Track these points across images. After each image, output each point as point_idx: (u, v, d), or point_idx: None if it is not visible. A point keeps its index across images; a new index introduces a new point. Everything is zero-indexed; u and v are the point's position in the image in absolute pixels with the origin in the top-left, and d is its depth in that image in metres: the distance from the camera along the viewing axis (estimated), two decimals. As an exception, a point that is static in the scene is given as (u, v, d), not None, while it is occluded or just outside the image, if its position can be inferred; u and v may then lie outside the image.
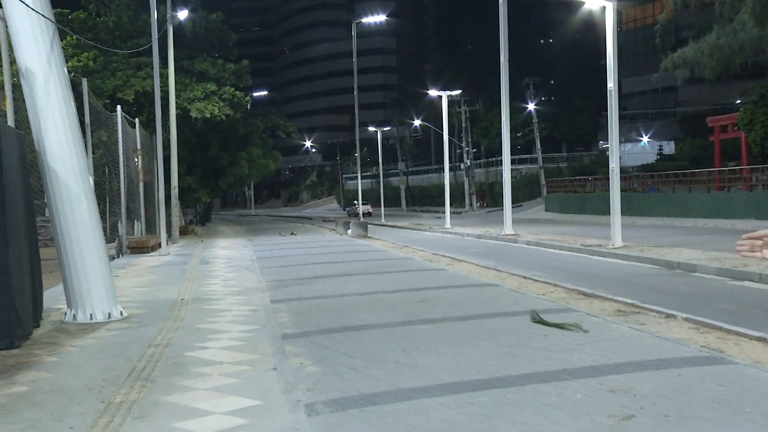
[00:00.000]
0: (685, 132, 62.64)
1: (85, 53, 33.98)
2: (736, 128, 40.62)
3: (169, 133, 29.21)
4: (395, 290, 12.17)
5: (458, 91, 47.49)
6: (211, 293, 12.55)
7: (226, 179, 42.24)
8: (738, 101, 51.98)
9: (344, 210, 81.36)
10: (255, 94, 45.28)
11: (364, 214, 71.01)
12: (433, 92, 46.84)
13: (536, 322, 8.64)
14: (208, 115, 34.09)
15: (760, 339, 7.90)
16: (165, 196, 24.67)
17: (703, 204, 34.05)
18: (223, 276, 15.51)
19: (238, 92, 36.05)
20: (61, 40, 11.63)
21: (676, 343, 7.47)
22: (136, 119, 26.54)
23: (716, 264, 14.39)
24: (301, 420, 5.26)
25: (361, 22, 70.89)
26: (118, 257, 21.13)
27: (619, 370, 6.32)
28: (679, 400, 5.43)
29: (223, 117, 34.79)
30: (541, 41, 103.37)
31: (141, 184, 25.41)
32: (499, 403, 5.48)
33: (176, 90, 30.52)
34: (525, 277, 14.42)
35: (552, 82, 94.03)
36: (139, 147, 25.29)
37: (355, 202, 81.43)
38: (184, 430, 5.11)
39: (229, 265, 18.30)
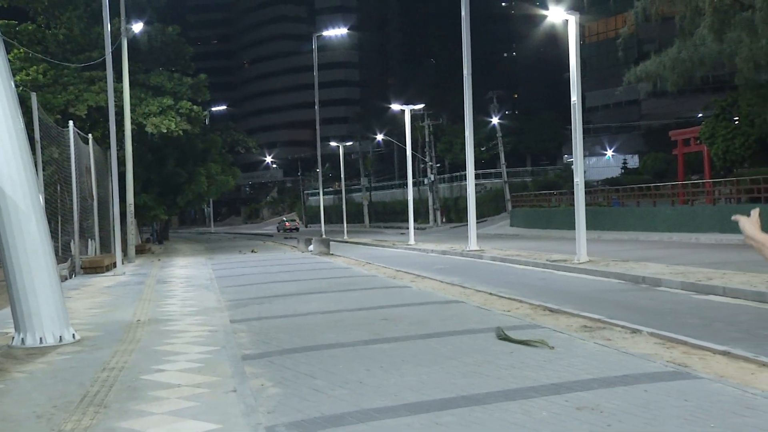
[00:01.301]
0: (648, 145, 63.68)
1: (34, 66, 33.53)
2: (698, 142, 41.36)
3: (124, 150, 28.88)
4: (358, 308, 12.13)
5: (421, 105, 47.77)
6: (168, 314, 12.39)
7: (184, 196, 41.82)
8: (700, 115, 53.08)
9: (276, 227, 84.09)
10: (214, 109, 45.07)
11: (290, 229, 76.53)
12: (396, 106, 46.94)
13: (502, 339, 8.66)
14: (165, 131, 33.80)
15: (724, 353, 8.00)
16: (120, 213, 24.35)
17: (667, 218, 34.55)
18: (181, 296, 15.33)
19: (195, 107, 35.81)
20: (8, 53, 11.44)
21: (642, 358, 7.53)
22: (90, 135, 26.20)
23: (681, 278, 14.58)
24: (262, 444, 5.19)
25: (322, 35, 71.09)
26: (70, 278, 20.77)
27: (586, 387, 6.36)
28: (645, 416, 5.46)
29: (181, 132, 34.51)
30: (504, 54, 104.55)
31: (95, 202, 25.06)
32: (465, 423, 5.47)
33: (131, 104, 30.25)
34: (490, 294, 14.47)
35: (516, 95, 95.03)
36: (92, 164, 24.96)
37: (284, 218, 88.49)
38: (138, 457, 5.01)
39: (188, 284, 18.10)
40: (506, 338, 8.63)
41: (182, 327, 10.78)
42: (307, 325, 10.50)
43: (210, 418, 5.87)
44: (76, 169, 21.92)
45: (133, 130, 30.36)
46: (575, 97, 20.16)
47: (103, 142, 30.70)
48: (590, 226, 22.14)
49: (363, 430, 5.41)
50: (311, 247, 32.89)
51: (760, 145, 37.02)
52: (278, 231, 77.92)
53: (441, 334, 9.37)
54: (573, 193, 21.89)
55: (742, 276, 14.31)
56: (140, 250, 33.76)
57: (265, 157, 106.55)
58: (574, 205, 21.68)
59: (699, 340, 8.72)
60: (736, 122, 37.42)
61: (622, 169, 65.89)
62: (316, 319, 11.15)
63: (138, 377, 7.47)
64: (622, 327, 9.87)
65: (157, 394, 6.75)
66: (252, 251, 34.16)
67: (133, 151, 29.77)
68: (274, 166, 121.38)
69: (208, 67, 62.57)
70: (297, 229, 78.62)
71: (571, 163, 55.43)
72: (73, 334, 9.88)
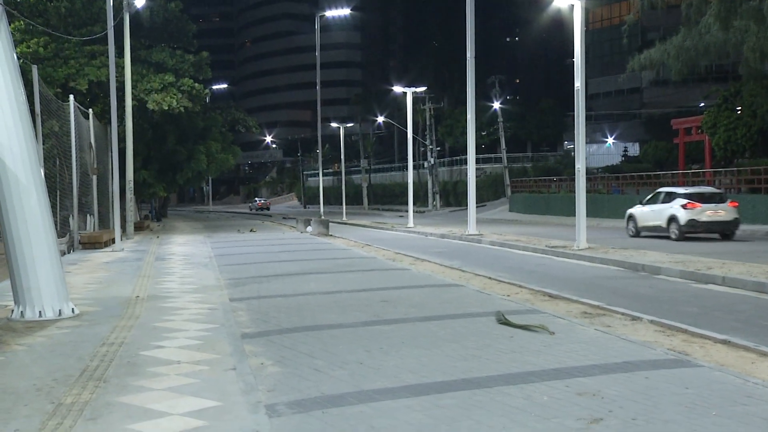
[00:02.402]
0: (649, 134, 63.50)
1: (35, 39, 33.31)
2: (699, 131, 41.29)
3: (124, 125, 28.76)
4: (358, 290, 12.12)
5: (423, 88, 47.51)
6: (167, 291, 12.37)
7: (183, 174, 41.71)
8: (702, 104, 52.94)
9: (249, 207, 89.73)
10: (214, 87, 44.77)
11: (262, 208, 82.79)
12: (398, 89, 46.76)
13: (502, 323, 8.65)
14: (166, 108, 33.66)
15: (724, 342, 8.01)
16: (120, 190, 24.28)
17: (667, 207, 34.53)
18: (180, 273, 15.31)
19: (197, 84, 35.64)
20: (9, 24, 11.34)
21: (642, 345, 7.53)
22: (90, 110, 26.08)
23: (680, 267, 14.57)
24: (262, 422, 5.18)
25: (324, 15, 70.59)
26: (69, 253, 20.75)
27: (586, 373, 6.35)
28: (646, 403, 5.45)
29: (182, 109, 34.37)
30: (507, 40, 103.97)
31: (94, 178, 24.99)
32: (465, 406, 5.46)
33: (133, 80, 30.07)
34: (490, 278, 14.46)
35: (518, 81, 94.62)
36: (93, 139, 24.86)
37: (256, 198, 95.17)
38: (138, 433, 5.00)
39: (187, 262, 18.08)
40: (506, 323, 8.62)
41: (181, 304, 10.76)
42: (307, 305, 10.48)
43: (209, 396, 5.85)
44: (76, 144, 21.82)
45: (134, 106, 30.22)
46: (579, 83, 20.06)
47: (102, 117, 30.57)
48: (589, 213, 22.06)
49: (364, 411, 5.39)
50: (310, 228, 32.85)
51: (762, 136, 36.95)
52: (250, 210, 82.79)
53: (440, 317, 9.36)
54: (573, 180, 21.78)
55: (741, 266, 14.31)
56: (138, 227, 33.71)
57: (265, 136, 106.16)
58: (573, 192, 21.58)
59: (699, 328, 8.72)
60: (739, 112, 37.33)
61: (622, 156, 65.76)
62: (315, 299, 11.13)
63: (137, 353, 7.45)
64: (622, 314, 9.86)
65: (156, 370, 6.74)
66: (251, 230, 34.12)
67: (133, 128, 29.63)
68: (274, 146, 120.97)
69: (209, 44, 62.20)
70: (268, 209, 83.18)
71: (571, 150, 55.40)
72: (72, 309, 9.86)
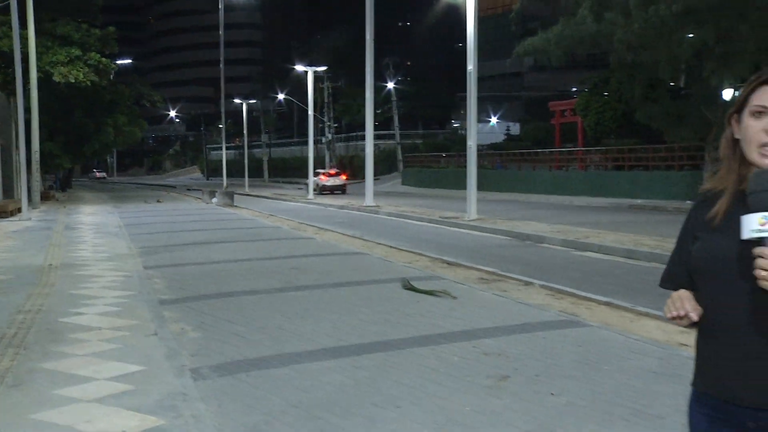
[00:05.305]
0: (529, 115, 65.09)
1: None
2: (573, 113, 42.59)
3: (29, 97, 27.18)
4: (268, 257, 11.94)
5: (323, 68, 47.00)
6: (80, 259, 11.84)
7: (90, 146, 40.01)
8: (576, 89, 54.58)
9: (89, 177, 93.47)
10: (121, 62, 42.80)
11: (99, 178, 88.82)
12: (299, 68, 46.10)
13: (407, 288, 8.68)
14: (73, 80, 32.03)
15: (607, 303, 8.31)
16: (27, 161, 23.01)
17: (545, 181, 35.62)
18: (92, 242, 14.68)
19: (104, 59, 34.05)
20: None
21: (536, 308, 7.72)
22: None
23: (561, 236, 15.04)
24: (188, 385, 5.02)
25: (228, -5, 68.63)
26: (-26, 222, 19.58)
27: (490, 334, 6.45)
28: (546, 360, 5.59)
29: (89, 83, 32.80)
30: (399, 24, 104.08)
31: (-1, 148, 23.60)
32: (383, 367, 5.45)
33: (38, 53, 28.38)
34: (391, 247, 14.52)
35: (409, 63, 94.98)
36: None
37: (94, 170, 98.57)
38: (66, 398, 4.74)
39: (97, 231, 17.36)
40: (411, 288, 8.66)
41: (96, 272, 10.32)
42: (221, 273, 10.24)
43: (134, 361, 5.63)
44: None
45: (39, 78, 28.57)
46: (471, 66, 20.28)
47: (5, 88, 28.83)
48: (477, 187, 22.49)
49: (287, 374, 5.30)
50: (215, 199, 32.15)
51: (626, 119, 38.37)
52: (89, 179, 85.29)
53: (350, 283, 9.33)
54: (461, 156, 22.16)
55: (613, 235, 14.91)
56: (44, 197, 32.16)
57: (170, 111, 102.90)
58: (461, 167, 21.96)
59: (584, 292, 9.02)
60: (607, 97, 38.69)
61: (505, 135, 67.12)
62: (228, 266, 10.89)
63: (56, 320, 7.09)
64: (516, 279, 10.08)
65: (77, 336, 6.43)
66: (158, 201, 33.10)
67: (39, 100, 28.04)
68: (178, 120, 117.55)
69: (117, 20, 59.41)
70: (105, 178, 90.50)
71: (459, 128, 56.09)
72: (-15, 278, 9.29)
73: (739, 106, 1.87)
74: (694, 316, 1.83)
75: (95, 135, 39.29)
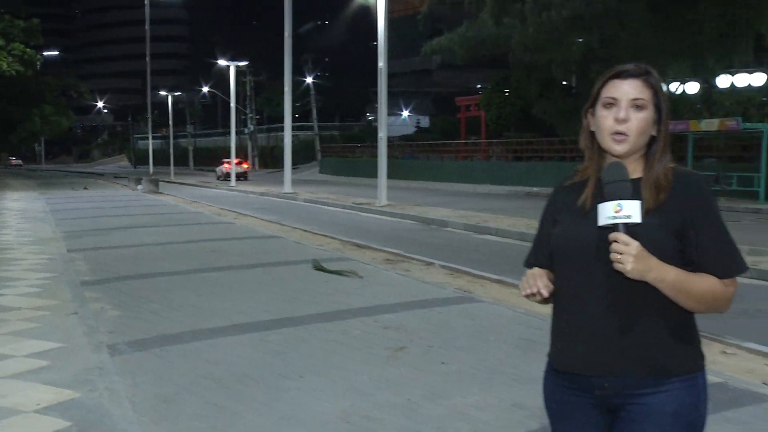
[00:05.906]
0: (438, 109, 65.86)
1: None
2: (477, 108, 43.38)
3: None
4: (188, 241, 11.75)
5: (245, 63, 46.29)
6: (4, 242, 11.36)
7: (17, 134, 38.21)
8: (480, 86, 55.48)
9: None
10: (48, 54, 41.05)
11: (15, 165, 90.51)
12: (222, 62, 45.26)
13: (317, 269, 8.72)
14: (-3, 70, 30.49)
15: (499, 281, 8.55)
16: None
17: (451, 170, 36.20)
18: (16, 227, 14.08)
19: (29, 50, 32.50)
20: None
21: (435, 286, 7.89)
22: None
23: (463, 221, 15.36)
24: (105, 360, 4.93)
25: (152, -10, 66.40)
26: None
27: (391, 310, 6.57)
28: (440, 333, 5.75)
29: (13, 72, 31.25)
30: (318, 22, 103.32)
31: None
32: (290, 341, 5.49)
33: (-42, 41, 26.90)
34: (305, 231, 14.49)
35: (327, 59, 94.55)
36: None
37: (11, 158, 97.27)
38: (-19, 378, 4.59)
39: (21, 216, 16.65)
40: (321, 269, 8.70)
41: (19, 255, 9.93)
42: (142, 255, 10.02)
43: (53, 338, 5.48)
44: None
45: (-39, 67, 27.10)
46: (382, 63, 20.38)
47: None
48: (388, 175, 22.68)
49: (199, 347, 5.28)
50: (141, 186, 31.27)
51: (524, 114, 39.36)
52: (5, 167, 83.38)
53: (264, 264, 9.29)
54: (375, 146, 22.25)
55: (509, 220, 15.33)
56: (-33, 184, 30.54)
57: (97, 102, 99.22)
58: (375, 157, 22.07)
59: (480, 270, 9.26)
60: (507, 94, 39.58)
61: (415, 127, 67.74)
62: (149, 249, 10.66)
63: (-25, 303, 6.80)
64: (418, 260, 10.24)
65: (-4, 317, 6.19)
66: (84, 188, 31.93)
67: (-40, 87, 26.60)
68: (106, 111, 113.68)
69: (42, 12, 56.67)
70: (21, 165, 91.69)
71: (373, 121, 56.25)
72: None
73: (593, 100, 1.92)
74: (545, 293, 1.87)
75: (22, 124, 37.51)
